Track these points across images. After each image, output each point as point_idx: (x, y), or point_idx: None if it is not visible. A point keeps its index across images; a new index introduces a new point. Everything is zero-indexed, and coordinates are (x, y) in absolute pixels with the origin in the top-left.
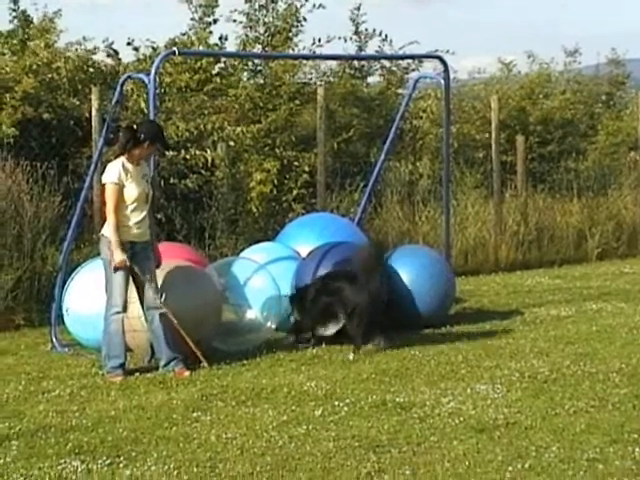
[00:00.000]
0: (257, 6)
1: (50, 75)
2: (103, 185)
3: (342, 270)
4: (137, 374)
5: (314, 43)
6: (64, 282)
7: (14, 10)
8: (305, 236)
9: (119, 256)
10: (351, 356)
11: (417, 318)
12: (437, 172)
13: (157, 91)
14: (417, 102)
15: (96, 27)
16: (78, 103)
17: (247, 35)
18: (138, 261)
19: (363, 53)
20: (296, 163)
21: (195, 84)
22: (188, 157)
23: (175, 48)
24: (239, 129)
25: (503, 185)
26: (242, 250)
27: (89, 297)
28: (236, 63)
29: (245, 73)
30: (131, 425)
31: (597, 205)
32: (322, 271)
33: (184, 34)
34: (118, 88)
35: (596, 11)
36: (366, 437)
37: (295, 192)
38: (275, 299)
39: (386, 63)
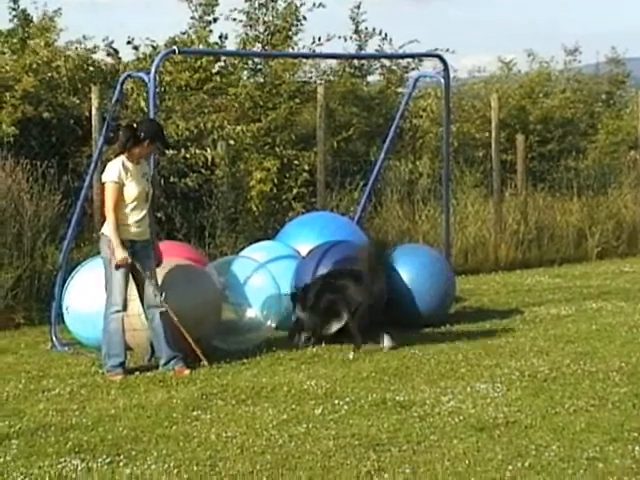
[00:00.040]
0: (257, 5)
1: (50, 74)
2: (103, 184)
3: (346, 268)
4: (137, 373)
5: (314, 42)
6: (64, 281)
7: (14, 9)
8: (305, 235)
9: (121, 254)
10: (351, 355)
11: (417, 317)
12: (437, 171)
13: (157, 90)
14: (417, 101)
15: (96, 26)
16: (78, 102)
17: (247, 34)
18: (138, 260)
19: (363, 52)
20: (296, 162)
21: (195, 83)
22: (188, 156)
23: (175, 47)
24: (239, 128)
25: (503, 184)
26: (242, 249)
27: (89, 296)
28: (236, 62)
29: (245, 72)
30: (131, 424)
31: (597, 204)
32: (322, 270)
33: (184, 33)
34: (118, 87)
35: (596, 10)
36: (366, 436)
37: (295, 191)
38: (275, 298)
39: (386, 62)
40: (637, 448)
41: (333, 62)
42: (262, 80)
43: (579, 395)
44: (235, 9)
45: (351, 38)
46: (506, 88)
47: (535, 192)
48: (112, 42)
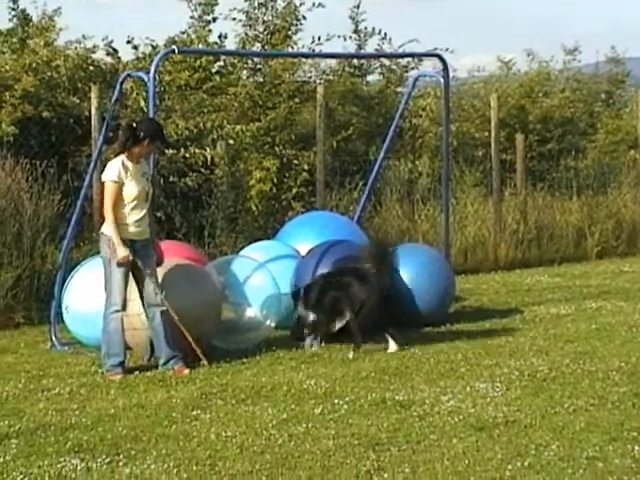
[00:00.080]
0: (256, 4)
1: (50, 73)
2: (103, 183)
3: (349, 266)
4: (137, 372)
5: (313, 41)
6: (64, 280)
7: (13, 9)
8: (305, 234)
9: (122, 252)
10: (351, 354)
11: (417, 316)
12: (436, 170)
13: (157, 89)
14: (416, 100)
15: (96, 25)
16: (78, 101)
17: (246, 33)
18: (139, 258)
19: (362, 51)
20: (296, 161)
21: (195, 82)
22: (188, 155)
23: (174, 46)
24: (239, 127)
25: (503, 183)
26: (242, 248)
27: (89, 295)
28: (236, 61)
29: (245, 71)
30: (131, 423)
31: (597, 203)
32: (322, 269)
33: (183, 32)
34: (118, 86)
35: (596, 9)
36: (366, 435)
37: (295, 190)
38: (275, 297)
39: (385, 61)
40: (637, 448)
41: (333, 62)
42: (262, 80)
43: (579, 394)
44: (234, 9)
45: (350, 38)
46: (505, 87)
47: (535, 192)
48: (112, 42)
